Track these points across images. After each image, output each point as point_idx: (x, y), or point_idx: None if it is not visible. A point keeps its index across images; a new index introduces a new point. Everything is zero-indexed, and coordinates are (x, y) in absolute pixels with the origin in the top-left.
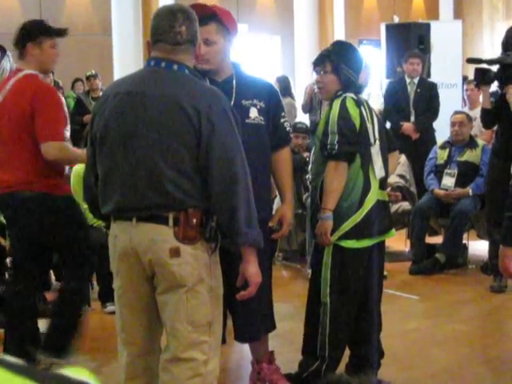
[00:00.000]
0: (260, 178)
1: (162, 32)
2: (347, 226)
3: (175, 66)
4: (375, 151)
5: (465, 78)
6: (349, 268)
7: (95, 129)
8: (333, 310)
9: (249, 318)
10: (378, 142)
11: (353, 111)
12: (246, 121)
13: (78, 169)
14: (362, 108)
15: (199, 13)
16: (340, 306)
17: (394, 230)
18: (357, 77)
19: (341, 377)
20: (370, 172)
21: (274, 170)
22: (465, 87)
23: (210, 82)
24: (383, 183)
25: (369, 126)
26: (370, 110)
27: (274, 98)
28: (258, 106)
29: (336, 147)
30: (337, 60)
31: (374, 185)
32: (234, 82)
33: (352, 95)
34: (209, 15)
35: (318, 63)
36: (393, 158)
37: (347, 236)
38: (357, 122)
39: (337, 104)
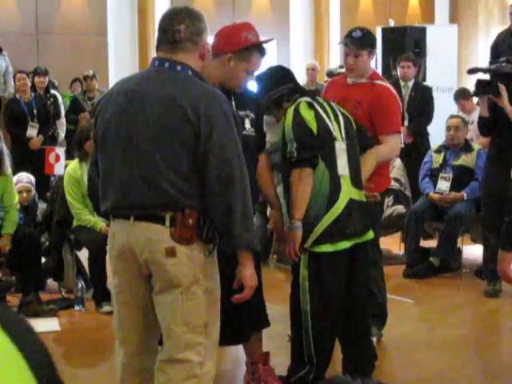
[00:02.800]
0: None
1: (163, 31)
2: (319, 229)
3: (178, 67)
4: (340, 148)
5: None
6: (326, 274)
7: (98, 126)
8: (314, 318)
9: (234, 320)
10: (344, 140)
11: (306, 114)
12: (244, 132)
13: (70, 170)
14: (318, 107)
15: None
16: (321, 313)
17: (371, 231)
18: (280, 88)
19: (344, 378)
20: (337, 172)
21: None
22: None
23: None
24: (356, 182)
25: (330, 124)
26: (334, 109)
27: (260, 110)
28: (250, 118)
29: (295, 154)
30: (259, 100)
31: (345, 183)
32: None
33: (306, 99)
34: None
35: (266, 113)
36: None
37: (320, 240)
38: (313, 125)
39: (290, 112)
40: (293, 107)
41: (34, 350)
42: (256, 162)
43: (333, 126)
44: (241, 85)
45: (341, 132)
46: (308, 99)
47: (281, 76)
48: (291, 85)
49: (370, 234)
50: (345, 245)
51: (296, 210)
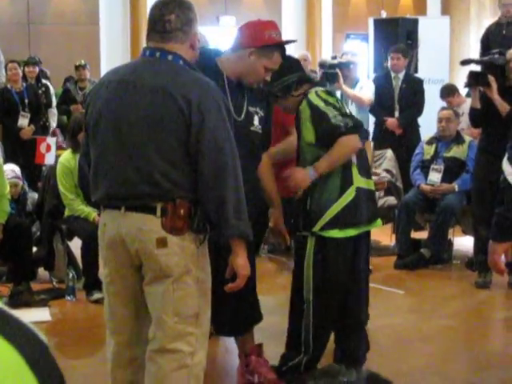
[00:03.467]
0: (252, 182)
1: (154, 21)
2: (329, 214)
3: (170, 57)
4: None
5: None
6: (332, 262)
7: (89, 116)
8: (316, 306)
9: (232, 311)
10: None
11: (330, 99)
12: (251, 128)
13: (63, 160)
14: (335, 97)
15: None
16: (324, 302)
17: (379, 220)
18: (290, 76)
19: (339, 368)
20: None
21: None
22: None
23: (228, 81)
24: (363, 170)
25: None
26: (341, 101)
27: (270, 108)
28: (259, 115)
29: (342, 124)
30: (268, 87)
31: (354, 172)
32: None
33: (321, 88)
34: None
35: (271, 101)
36: (367, 147)
37: (330, 225)
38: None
39: (313, 97)
40: (313, 93)
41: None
42: (260, 158)
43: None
44: (258, 80)
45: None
46: (323, 89)
47: (288, 65)
48: (299, 73)
49: (378, 223)
50: (352, 232)
51: (325, 165)
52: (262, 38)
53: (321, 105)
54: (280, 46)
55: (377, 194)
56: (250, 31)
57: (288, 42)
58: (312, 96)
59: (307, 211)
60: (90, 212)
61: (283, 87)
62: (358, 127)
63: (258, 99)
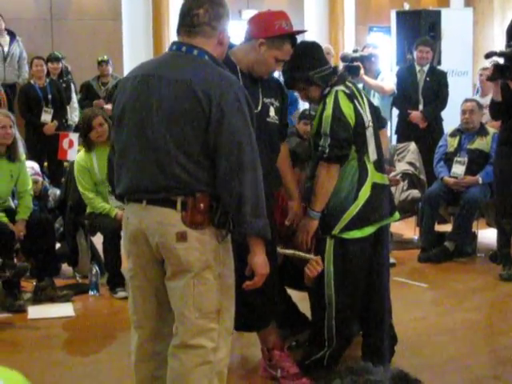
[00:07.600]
0: (270, 174)
1: (183, 16)
2: (347, 216)
3: (195, 51)
4: (369, 134)
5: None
6: (352, 259)
7: (115, 110)
8: (338, 301)
9: (252, 306)
10: (370, 124)
11: (346, 108)
12: (267, 119)
13: (79, 159)
14: (355, 100)
15: None
16: (345, 297)
17: (397, 213)
18: (327, 66)
19: (365, 365)
20: (366, 158)
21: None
22: (479, 72)
23: (242, 73)
24: (379, 166)
25: (363, 114)
26: (361, 94)
27: (286, 98)
28: (275, 106)
29: (327, 150)
30: (301, 73)
31: (371, 169)
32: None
33: (342, 88)
34: None
35: (293, 88)
36: (383, 135)
37: (349, 227)
38: (351, 119)
39: (330, 102)
40: (332, 97)
41: None
42: (278, 149)
43: (365, 114)
44: (269, 72)
45: (367, 117)
46: (345, 89)
47: (323, 54)
48: (332, 65)
49: (396, 216)
50: (371, 230)
51: (318, 203)
52: (272, 28)
53: (328, 114)
54: (291, 36)
55: (400, 186)
56: (260, 22)
57: (298, 32)
58: (329, 98)
59: (324, 215)
60: (112, 208)
61: (324, 76)
62: (332, 159)
63: (271, 90)
